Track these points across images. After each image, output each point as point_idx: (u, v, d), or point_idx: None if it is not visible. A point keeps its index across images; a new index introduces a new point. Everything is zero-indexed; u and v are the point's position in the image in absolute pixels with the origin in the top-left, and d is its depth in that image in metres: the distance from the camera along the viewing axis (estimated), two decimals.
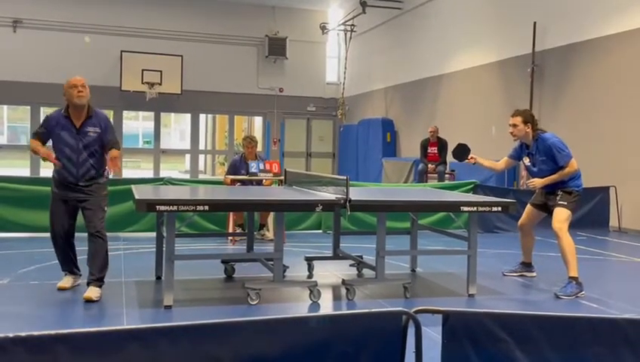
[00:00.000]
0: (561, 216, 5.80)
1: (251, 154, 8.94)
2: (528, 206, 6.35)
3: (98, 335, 2.13)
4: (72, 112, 5.28)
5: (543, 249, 7.45)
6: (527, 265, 6.54)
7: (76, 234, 5.53)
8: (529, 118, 6.03)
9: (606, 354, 2.54)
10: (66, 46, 18.43)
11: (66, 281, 5.49)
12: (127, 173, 20.69)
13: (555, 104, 12.01)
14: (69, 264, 5.54)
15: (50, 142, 5.40)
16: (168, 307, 4.92)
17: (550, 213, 6.01)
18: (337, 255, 6.46)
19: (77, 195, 5.31)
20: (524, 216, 6.38)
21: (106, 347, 2.12)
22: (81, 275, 5.57)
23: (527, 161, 6.16)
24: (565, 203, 5.85)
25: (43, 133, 5.34)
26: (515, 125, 6.03)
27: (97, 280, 5.21)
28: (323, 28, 20.57)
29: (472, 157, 6.35)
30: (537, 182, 5.93)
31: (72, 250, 5.52)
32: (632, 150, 10.29)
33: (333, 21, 20.96)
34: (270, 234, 8.51)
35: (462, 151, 6.46)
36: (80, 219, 5.40)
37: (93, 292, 5.12)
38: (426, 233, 7.32)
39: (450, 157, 13.67)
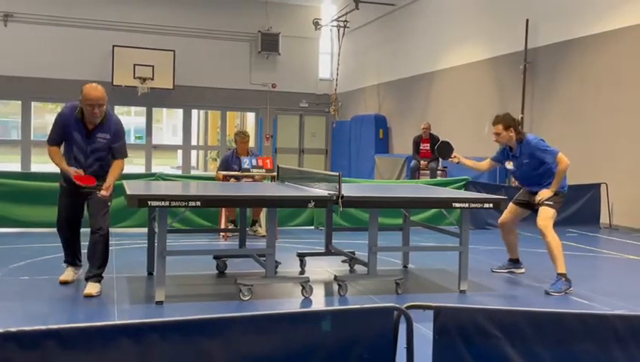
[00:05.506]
0: (547, 214, 5.84)
1: (244, 150, 8.92)
2: (511, 204, 6.32)
3: (89, 330, 2.12)
4: (86, 117, 5.14)
5: (532, 245, 7.48)
6: (514, 262, 6.57)
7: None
8: (510, 123, 5.99)
9: (596, 349, 2.56)
10: (57, 40, 18.33)
11: (68, 274, 5.53)
12: None
13: (547, 101, 12.04)
14: (71, 254, 5.57)
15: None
16: (160, 302, 4.91)
17: (534, 211, 6.03)
18: (329, 251, 6.46)
19: (84, 189, 5.24)
20: (506, 213, 6.37)
21: (97, 342, 2.11)
22: (81, 266, 5.61)
23: (509, 165, 6.15)
24: (552, 203, 5.88)
25: (60, 135, 5.22)
26: (497, 133, 6.01)
27: (95, 276, 5.22)
28: (316, 24, 20.55)
29: (455, 156, 6.33)
30: (545, 194, 5.86)
31: (76, 240, 5.57)
32: (623, 147, 10.33)
33: (326, 17, 20.94)
34: (262, 230, 8.50)
35: (446, 150, 6.43)
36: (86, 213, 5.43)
37: (93, 288, 5.14)
38: (417, 229, 7.33)
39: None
